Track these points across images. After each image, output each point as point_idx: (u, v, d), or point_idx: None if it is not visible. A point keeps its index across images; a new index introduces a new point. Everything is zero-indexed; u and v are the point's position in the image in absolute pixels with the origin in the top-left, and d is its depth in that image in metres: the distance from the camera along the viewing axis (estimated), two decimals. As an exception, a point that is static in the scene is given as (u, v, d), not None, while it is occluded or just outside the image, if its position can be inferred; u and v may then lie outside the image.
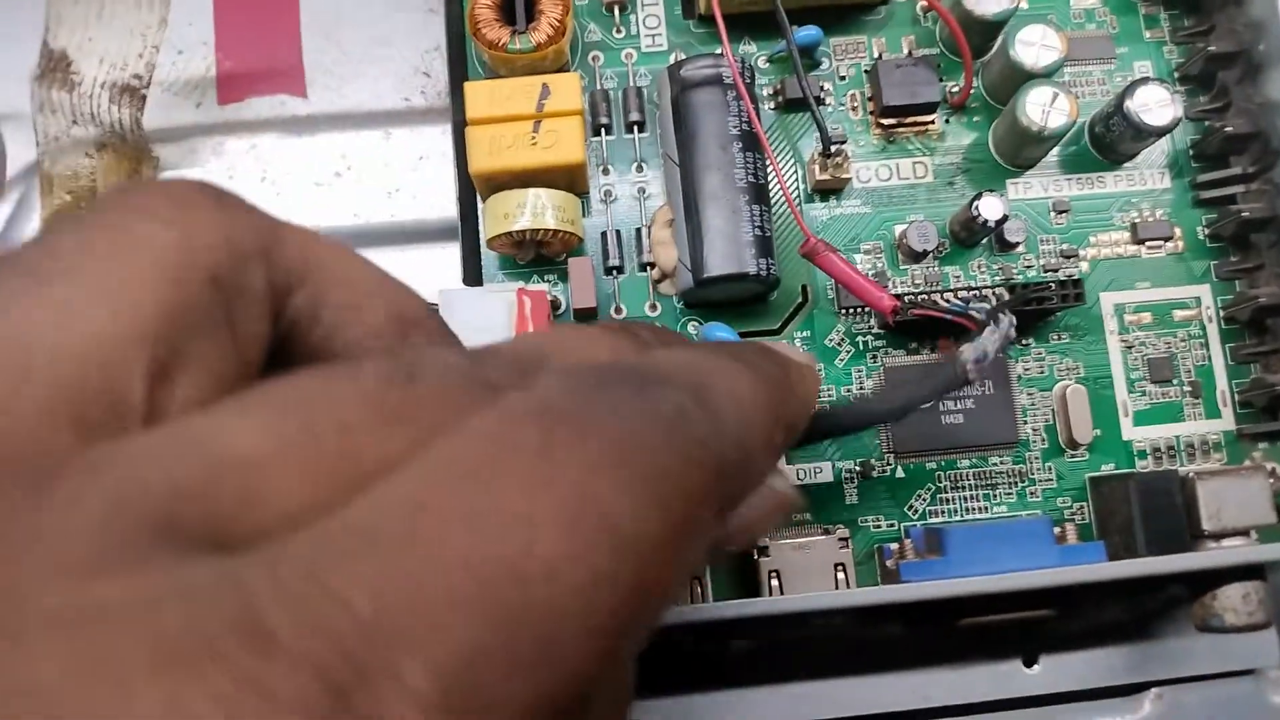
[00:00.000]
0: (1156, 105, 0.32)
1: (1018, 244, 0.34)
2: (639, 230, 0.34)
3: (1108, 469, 0.33)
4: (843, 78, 0.35)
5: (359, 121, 0.38)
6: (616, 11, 0.35)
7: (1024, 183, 0.34)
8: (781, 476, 0.21)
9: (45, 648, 0.08)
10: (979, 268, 0.34)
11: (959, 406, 0.33)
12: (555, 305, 0.33)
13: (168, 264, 0.13)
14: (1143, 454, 0.33)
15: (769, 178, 0.32)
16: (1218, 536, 0.30)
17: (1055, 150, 0.34)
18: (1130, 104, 0.32)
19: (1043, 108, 0.32)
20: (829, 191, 0.34)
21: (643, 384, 0.13)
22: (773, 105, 0.35)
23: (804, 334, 0.34)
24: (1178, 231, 0.34)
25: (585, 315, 0.33)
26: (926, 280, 0.34)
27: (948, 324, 0.32)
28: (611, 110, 0.34)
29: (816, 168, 0.33)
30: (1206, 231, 0.34)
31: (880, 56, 0.35)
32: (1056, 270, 0.34)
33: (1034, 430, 0.33)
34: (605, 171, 0.34)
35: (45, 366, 0.12)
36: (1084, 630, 0.33)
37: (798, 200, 0.34)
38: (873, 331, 0.33)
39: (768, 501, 0.21)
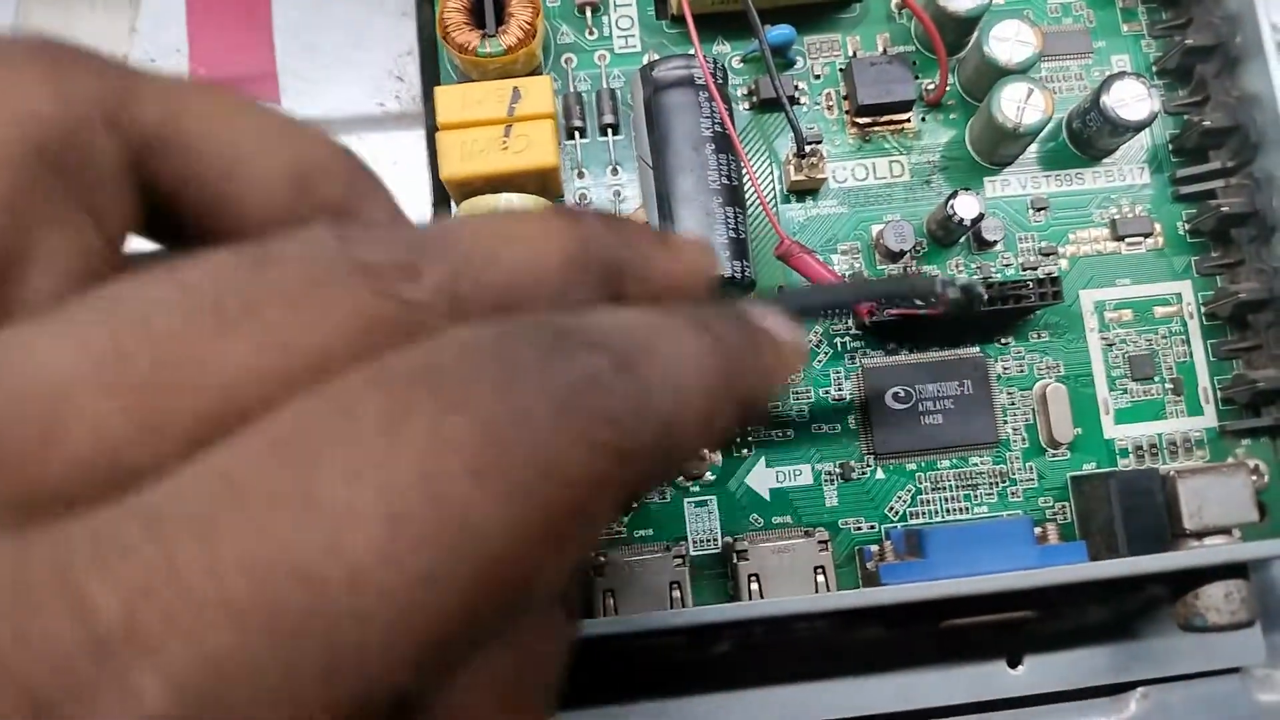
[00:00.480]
0: (1133, 100, 0.31)
1: (996, 242, 0.33)
2: (614, 233, 0.33)
3: (1089, 468, 0.33)
4: (817, 77, 0.35)
5: (333, 126, 0.37)
6: (589, 13, 0.35)
7: (1002, 180, 0.34)
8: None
9: None
10: (957, 267, 0.34)
11: (938, 407, 0.32)
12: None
13: None
14: (1124, 452, 0.33)
15: (743, 179, 0.32)
16: (1199, 535, 0.29)
17: (1033, 147, 0.34)
18: (1106, 99, 0.31)
19: (1018, 104, 0.31)
20: (805, 192, 0.34)
21: (555, 344, 0.11)
22: (747, 105, 0.34)
23: (782, 336, 0.33)
24: (1158, 227, 0.34)
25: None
26: (904, 280, 0.33)
27: (925, 320, 0.32)
28: (585, 113, 0.34)
29: (792, 168, 0.33)
30: (1187, 227, 0.34)
31: (855, 55, 0.34)
32: (1035, 268, 0.33)
33: (1014, 430, 0.33)
34: (580, 175, 0.34)
35: None
36: (1069, 630, 0.33)
37: (773, 201, 0.34)
38: (850, 333, 0.33)
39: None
